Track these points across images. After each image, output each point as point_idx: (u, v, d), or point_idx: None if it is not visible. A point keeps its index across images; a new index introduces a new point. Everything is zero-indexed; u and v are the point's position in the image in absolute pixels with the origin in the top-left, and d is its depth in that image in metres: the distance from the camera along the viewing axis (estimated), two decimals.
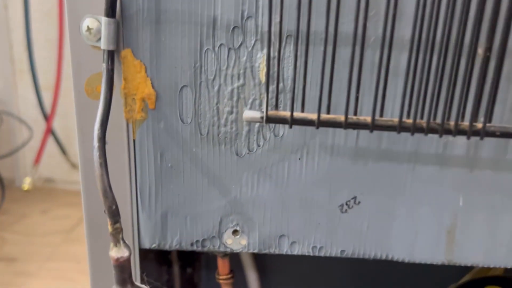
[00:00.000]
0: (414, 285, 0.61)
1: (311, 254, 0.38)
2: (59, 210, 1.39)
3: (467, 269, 0.58)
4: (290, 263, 0.60)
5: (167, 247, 0.38)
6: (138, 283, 0.33)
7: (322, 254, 0.38)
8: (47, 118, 1.41)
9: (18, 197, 1.44)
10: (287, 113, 0.30)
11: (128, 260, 0.30)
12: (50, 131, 1.42)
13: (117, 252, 0.30)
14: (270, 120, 0.30)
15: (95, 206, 0.38)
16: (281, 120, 0.30)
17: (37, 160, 1.44)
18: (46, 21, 1.38)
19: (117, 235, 0.30)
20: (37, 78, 1.39)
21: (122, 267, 0.30)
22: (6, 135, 1.46)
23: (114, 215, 0.30)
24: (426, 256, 0.38)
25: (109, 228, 0.30)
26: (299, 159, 0.36)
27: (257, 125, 0.35)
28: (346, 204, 0.37)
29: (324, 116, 0.30)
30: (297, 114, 0.30)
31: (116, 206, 0.30)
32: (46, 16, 1.38)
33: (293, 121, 0.30)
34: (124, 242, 0.31)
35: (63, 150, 1.47)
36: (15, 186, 1.49)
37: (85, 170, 0.37)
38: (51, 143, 1.46)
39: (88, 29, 0.33)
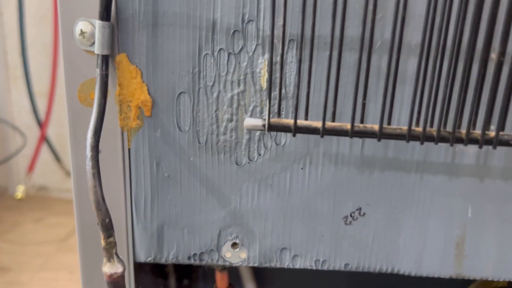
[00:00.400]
0: None
1: (314, 268, 0.37)
2: (52, 219, 1.37)
3: (469, 280, 0.57)
4: (291, 276, 0.59)
5: (163, 261, 0.37)
6: None
7: (325, 267, 0.37)
8: (41, 125, 1.39)
9: (11, 206, 1.41)
10: (290, 121, 0.29)
11: (122, 276, 0.29)
12: (44, 138, 1.40)
13: (110, 268, 0.28)
14: (272, 128, 0.29)
15: (88, 217, 0.36)
16: (284, 128, 0.29)
17: (31, 167, 1.42)
18: (41, 26, 1.37)
19: (110, 250, 0.28)
20: (32, 84, 1.37)
21: (116, 283, 0.29)
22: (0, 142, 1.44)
23: (108, 228, 0.28)
24: (434, 270, 0.37)
25: (102, 242, 0.28)
26: (302, 168, 0.34)
27: (258, 133, 0.34)
28: (351, 215, 0.35)
29: (329, 124, 0.28)
30: (301, 122, 0.29)
31: (110, 219, 0.28)
32: (41, 21, 1.36)
33: (296, 129, 0.28)
34: (118, 257, 0.29)
35: (57, 158, 1.45)
36: (8, 194, 1.47)
37: (78, 180, 0.35)
38: (45, 150, 1.44)
39: (82, 33, 0.31)
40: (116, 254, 0.29)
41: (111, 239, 0.28)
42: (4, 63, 1.42)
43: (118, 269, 0.29)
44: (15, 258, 1.20)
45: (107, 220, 0.28)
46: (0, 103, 1.43)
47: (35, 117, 1.39)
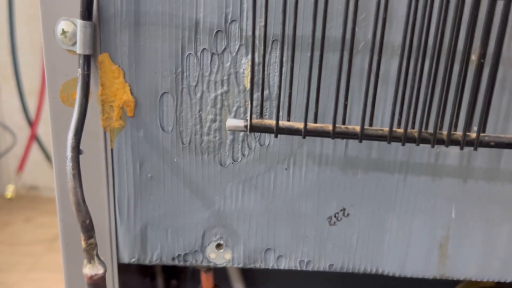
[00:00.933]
0: None
1: (298, 269, 0.37)
2: (43, 218, 1.36)
3: (456, 280, 0.57)
4: (279, 275, 0.58)
5: (147, 262, 0.36)
6: None
7: (309, 268, 0.37)
8: (32, 124, 1.38)
9: (1, 205, 1.40)
10: (272, 122, 0.29)
11: (103, 277, 0.29)
12: (34, 138, 1.39)
13: (91, 269, 0.28)
14: (254, 129, 0.29)
15: (71, 218, 0.36)
16: (266, 129, 0.29)
17: (21, 167, 1.40)
18: (30, 25, 1.36)
19: (91, 251, 0.28)
20: (22, 83, 1.36)
21: (97, 285, 0.28)
22: None
23: (88, 230, 0.28)
24: (418, 270, 0.37)
25: (83, 243, 0.28)
26: (286, 169, 0.34)
27: (241, 134, 0.34)
28: (335, 216, 0.35)
29: (311, 125, 0.28)
30: (283, 122, 0.28)
31: (90, 221, 0.28)
32: (31, 20, 1.35)
33: (278, 130, 0.28)
34: (99, 258, 0.29)
35: (47, 157, 1.44)
36: None
37: (60, 180, 0.35)
38: (35, 149, 1.42)
39: (63, 32, 0.31)
40: (97, 255, 0.29)
41: (91, 240, 0.28)
42: None
43: (99, 270, 0.28)
44: (4, 258, 1.19)
45: (88, 222, 0.28)
46: None
47: (25, 116, 1.38)
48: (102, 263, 0.29)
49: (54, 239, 1.27)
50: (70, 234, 0.36)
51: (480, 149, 0.33)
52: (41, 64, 1.35)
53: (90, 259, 0.28)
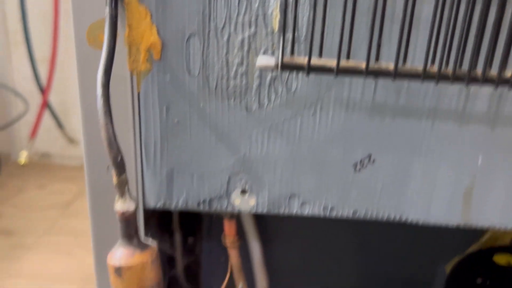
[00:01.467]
0: (419, 257, 0.60)
1: (322, 215, 0.37)
2: (56, 185, 1.37)
3: (473, 239, 0.57)
4: (293, 232, 0.59)
5: (172, 207, 0.37)
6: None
7: (333, 215, 0.37)
8: (43, 91, 1.38)
9: (15, 171, 1.42)
10: (303, 60, 0.28)
11: (134, 214, 0.29)
12: (46, 105, 1.39)
13: (122, 205, 0.29)
14: (285, 66, 0.28)
15: (99, 158, 0.36)
16: (298, 67, 0.28)
17: (33, 133, 1.41)
18: None
19: (122, 187, 0.28)
20: (33, 50, 1.35)
21: (128, 221, 0.29)
22: (1, 108, 1.43)
23: (120, 166, 0.28)
24: (442, 218, 0.37)
25: (114, 180, 0.28)
26: (313, 115, 0.34)
27: (268, 78, 0.33)
28: (361, 162, 0.35)
29: (344, 62, 0.28)
30: (315, 60, 0.28)
31: (122, 157, 0.28)
32: None
33: (310, 68, 0.28)
34: (130, 194, 0.29)
35: (59, 124, 1.45)
36: (11, 160, 1.47)
37: (88, 126, 0.35)
38: (47, 117, 1.43)
39: None
40: (129, 191, 0.29)
41: (123, 176, 0.28)
42: (4, 29, 1.40)
43: (130, 206, 0.29)
44: (19, 222, 1.21)
45: (119, 158, 0.28)
46: (1, 69, 1.42)
47: (36, 83, 1.38)
48: (133, 199, 0.29)
49: (68, 205, 1.29)
50: (96, 174, 0.36)
51: (509, 96, 0.33)
52: (52, 31, 1.34)
53: (122, 194, 0.29)
